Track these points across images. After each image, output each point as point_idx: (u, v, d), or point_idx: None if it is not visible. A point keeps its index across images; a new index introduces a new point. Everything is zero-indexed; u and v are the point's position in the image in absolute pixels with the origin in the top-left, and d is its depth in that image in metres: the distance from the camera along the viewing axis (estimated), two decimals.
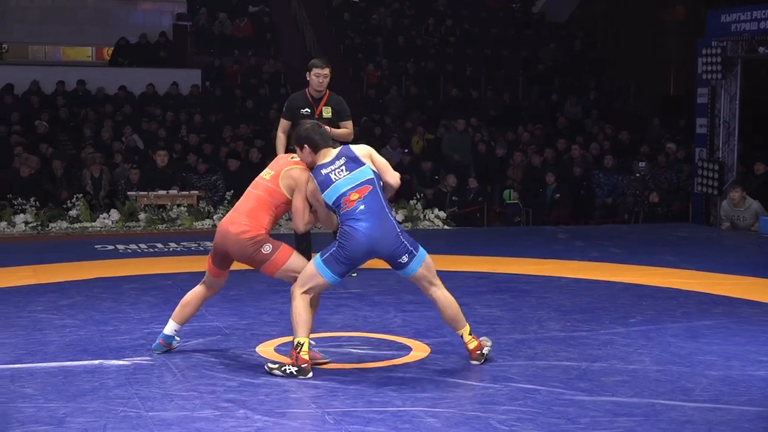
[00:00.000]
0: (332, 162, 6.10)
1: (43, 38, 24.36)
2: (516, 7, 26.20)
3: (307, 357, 5.91)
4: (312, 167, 6.15)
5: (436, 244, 12.35)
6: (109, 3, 24.32)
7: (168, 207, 14.05)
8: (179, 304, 6.53)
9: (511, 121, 19.90)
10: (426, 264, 6.10)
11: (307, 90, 9.43)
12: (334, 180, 6.03)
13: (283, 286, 8.97)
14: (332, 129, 9.37)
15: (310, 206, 6.25)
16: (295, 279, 6.16)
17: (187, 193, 14.50)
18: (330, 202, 6.05)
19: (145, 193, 14.25)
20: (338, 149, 6.19)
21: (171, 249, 11.48)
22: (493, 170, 17.10)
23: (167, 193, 14.32)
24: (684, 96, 19.79)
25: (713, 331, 7.34)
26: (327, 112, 9.38)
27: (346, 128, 9.42)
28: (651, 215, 15.81)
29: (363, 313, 7.91)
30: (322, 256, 6.01)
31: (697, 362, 6.41)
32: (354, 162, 6.09)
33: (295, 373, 5.89)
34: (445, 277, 8.55)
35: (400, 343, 6.87)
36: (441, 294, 6.18)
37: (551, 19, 25.77)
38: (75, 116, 18.80)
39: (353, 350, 6.69)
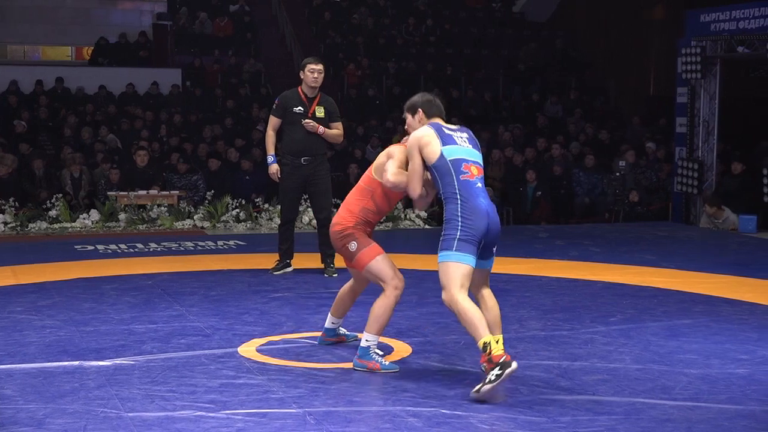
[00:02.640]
0: (455, 130, 5.88)
1: (22, 38, 24.22)
2: (496, 6, 26.23)
3: (501, 351, 5.41)
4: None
5: (416, 243, 12.37)
6: (89, 2, 24.21)
7: (148, 207, 14.01)
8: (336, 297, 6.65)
9: (491, 120, 19.92)
10: None
11: (300, 89, 9.50)
12: (458, 142, 5.77)
13: (265, 286, 9.01)
14: (325, 129, 9.44)
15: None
16: (377, 282, 6.10)
17: (167, 193, 14.45)
18: (449, 158, 5.69)
19: (125, 193, 14.20)
20: (462, 128, 5.97)
21: (151, 249, 11.45)
22: None
23: (147, 193, 14.27)
24: (664, 96, 19.86)
25: (693, 329, 7.37)
26: (320, 112, 9.47)
27: (338, 129, 9.57)
28: (631, 214, 15.85)
29: None
30: (449, 248, 5.59)
31: (677, 361, 6.44)
32: (475, 143, 5.94)
33: (499, 373, 5.35)
34: (426, 276, 8.61)
35: (382, 342, 6.85)
36: (491, 295, 6.01)
37: (532, 18, 25.82)
38: (54, 116, 18.72)
39: (335, 350, 6.68)
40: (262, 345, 6.78)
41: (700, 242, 12.57)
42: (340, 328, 6.77)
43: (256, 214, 14.01)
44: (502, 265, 10.29)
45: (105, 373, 6.04)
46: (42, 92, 19.60)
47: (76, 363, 6.27)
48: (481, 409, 5.36)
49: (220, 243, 12.02)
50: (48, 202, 13.98)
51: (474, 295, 5.90)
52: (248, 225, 13.84)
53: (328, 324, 6.71)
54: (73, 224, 13.66)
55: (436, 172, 5.76)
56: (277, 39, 23.92)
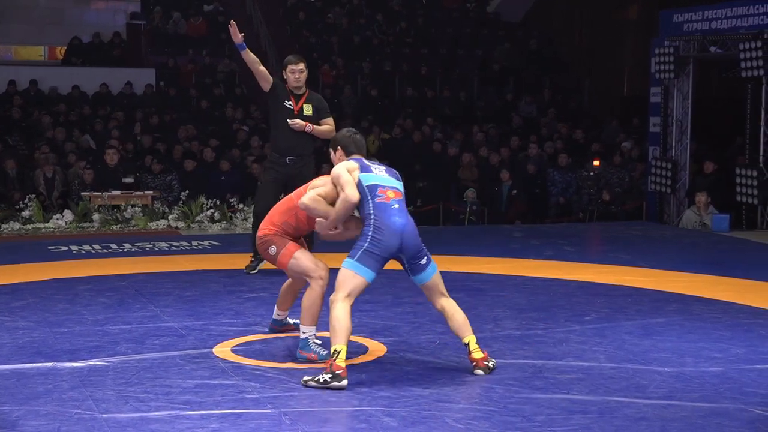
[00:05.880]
0: (373, 163, 6.31)
1: None
2: (470, 6, 26.27)
3: (343, 365, 5.74)
4: None
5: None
6: (63, 2, 24.07)
7: (122, 207, 13.94)
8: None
9: (467, 120, 19.96)
10: (438, 273, 6.23)
11: (286, 85, 9.35)
12: (373, 171, 6.20)
13: (240, 286, 8.99)
14: (314, 126, 9.31)
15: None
16: (303, 279, 6.38)
17: (141, 193, 14.38)
18: (366, 183, 6.09)
19: (99, 193, 14.12)
20: (380, 163, 6.44)
21: (125, 250, 11.40)
22: (446, 169, 17.07)
23: (121, 193, 14.20)
24: (638, 95, 19.98)
25: (667, 328, 7.40)
26: (308, 110, 9.30)
27: (329, 125, 9.37)
28: (605, 214, 15.92)
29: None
30: (353, 257, 5.98)
31: (651, 359, 6.47)
32: (394, 174, 6.33)
33: (329, 380, 5.68)
34: (401, 277, 8.54)
35: (357, 342, 6.86)
36: (449, 303, 6.22)
37: (506, 18, 25.86)
38: (28, 116, 18.62)
39: None
40: (237, 345, 6.77)
41: (674, 241, 12.63)
42: (288, 318, 7.05)
43: (230, 214, 13.98)
44: (477, 265, 10.33)
45: (79, 374, 6.01)
46: (15, 92, 19.49)
47: (50, 364, 6.23)
48: (456, 408, 5.37)
49: (194, 243, 11.98)
50: (21, 202, 13.90)
51: (436, 308, 6.26)
52: (223, 225, 13.80)
53: (275, 315, 7.03)
54: (46, 225, 13.58)
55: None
56: (251, 39, 23.84)
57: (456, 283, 9.16)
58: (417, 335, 7.11)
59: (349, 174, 6.12)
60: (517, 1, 26.13)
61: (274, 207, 6.66)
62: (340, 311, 5.88)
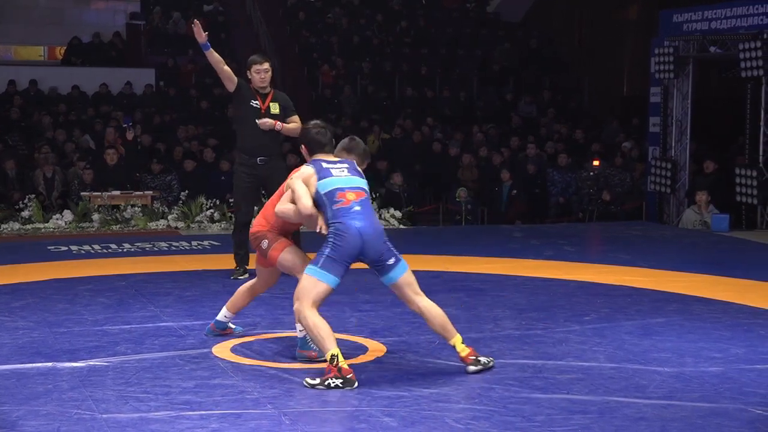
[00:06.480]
0: (335, 162, 6.25)
1: None
2: (470, 6, 26.27)
3: (347, 366, 5.76)
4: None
5: (392, 243, 12.35)
6: (63, 2, 24.08)
7: (122, 207, 13.94)
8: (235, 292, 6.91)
9: (467, 120, 19.96)
10: (409, 272, 6.12)
11: (251, 85, 9.30)
12: (333, 174, 6.13)
13: (239, 286, 8.97)
14: (284, 125, 9.24)
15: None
16: (292, 273, 6.37)
17: (141, 193, 14.38)
18: (323, 191, 6.04)
19: (99, 193, 14.11)
20: (344, 159, 6.34)
21: (125, 250, 11.40)
22: (447, 170, 17.08)
23: (121, 193, 14.20)
24: (638, 95, 19.98)
25: (666, 328, 7.40)
26: (275, 108, 9.21)
27: (296, 122, 9.24)
28: (605, 214, 15.92)
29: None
30: (316, 263, 5.93)
31: (650, 359, 6.47)
32: (356, 171, 6.27)
33: (341, 384, 5.67)
34: None
35: (357, 342, 6.87)
36: (427, 304, 6.11)
37: (506, 18, 25.87)
38: (28, 116, 18.62)
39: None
40: (237, 345, 6.76)
41: (674, 241, 12.63)
42: (231, 322, 7.02)
43: (230, 214, 13.97)
44: (476, 265, 10.33)
45: (79, 374, 6.01)
46: (15, 92, 19.49)
47: (50, 364, 6.23)
48: (456, 408, 5.37)
49: (194, 243, 11.98)
50: (21, 202, 13.90)
51: (412, 309, 6.17)
52: (222, 225, 13.80)
53: (220, 317, 6.95)
54: (46, 225, 13.59)
55: (318, 204, 6.10)
56: (251, 39, 23.85)
57: (456, 283, 9.18)
58: (417, 335, 7.10)
59: (303, 185, 6.09)
60: (517, 1, 26.12)
61: (266, 203, 6.66)
62: (314, 319, 5.84)
